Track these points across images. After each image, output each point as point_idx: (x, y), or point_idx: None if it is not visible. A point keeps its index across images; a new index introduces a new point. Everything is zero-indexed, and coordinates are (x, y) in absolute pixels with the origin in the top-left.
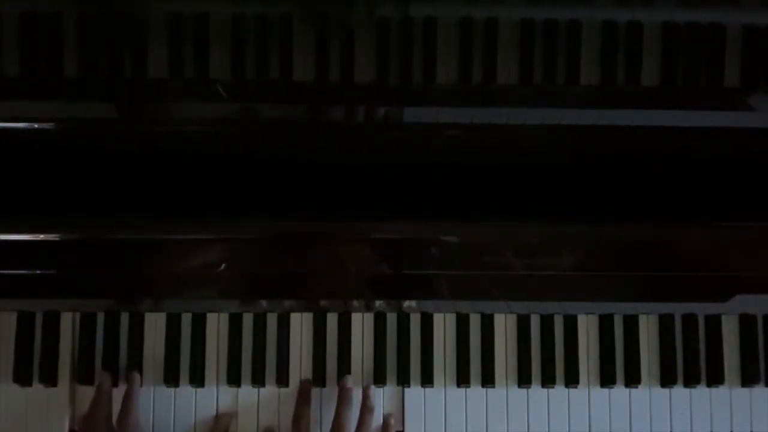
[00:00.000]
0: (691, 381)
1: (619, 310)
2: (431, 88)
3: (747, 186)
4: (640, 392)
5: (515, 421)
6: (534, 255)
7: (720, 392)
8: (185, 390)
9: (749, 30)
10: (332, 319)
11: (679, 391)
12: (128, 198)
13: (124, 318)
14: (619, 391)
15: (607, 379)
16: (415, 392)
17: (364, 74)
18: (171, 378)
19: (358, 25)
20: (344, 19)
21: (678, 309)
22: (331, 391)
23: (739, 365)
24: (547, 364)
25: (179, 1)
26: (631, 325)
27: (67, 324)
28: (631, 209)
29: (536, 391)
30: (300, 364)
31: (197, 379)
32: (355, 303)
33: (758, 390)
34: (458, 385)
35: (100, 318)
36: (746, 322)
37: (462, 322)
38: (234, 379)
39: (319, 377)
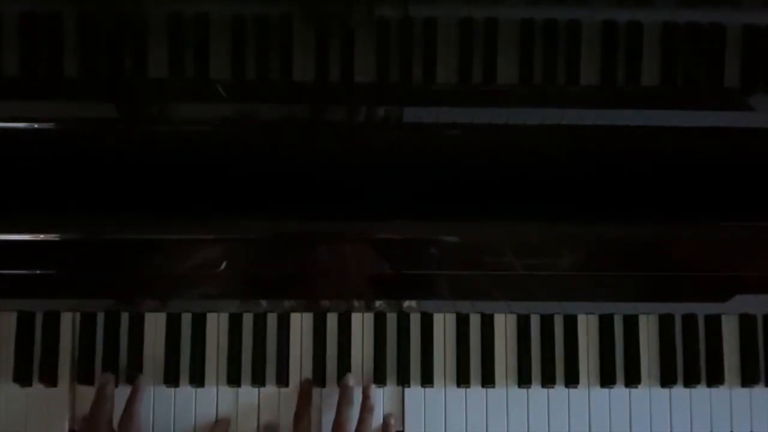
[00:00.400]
0: (691, 381)
1: (619, 310)
2: (431, 88)
3: (747, 186)
4: (640, 392)
5: (515, 421)
6: (534, 255)
7: (720, 392)
8: (185, 390)
9: (749, 30)
10: (332, 319)
11: (679, 391)
12: (128, 198)
13: (124, 318)
14: (619, 391)
15: (607, 379)
16: (415, 392)
17: (364, 74)
18: (171, 378)
19: (358, 25)
20: (344, 19)
21: (678, 309)
22: (331, 390)
23: (739, 365)
24: (547, 364)
25: (179, 1)
26: (631, 325)
27: (67, 324)
28: (631, 209)
29: (536, 391)
30: (300, 364)
31: (197, 379)
32: (355, 303)
33: (758, 390)
34: (458, 385)
35: (100, 318)
36: (746, 322)
37: (462, 322)
38: (234, 379)
39: (319, 377)
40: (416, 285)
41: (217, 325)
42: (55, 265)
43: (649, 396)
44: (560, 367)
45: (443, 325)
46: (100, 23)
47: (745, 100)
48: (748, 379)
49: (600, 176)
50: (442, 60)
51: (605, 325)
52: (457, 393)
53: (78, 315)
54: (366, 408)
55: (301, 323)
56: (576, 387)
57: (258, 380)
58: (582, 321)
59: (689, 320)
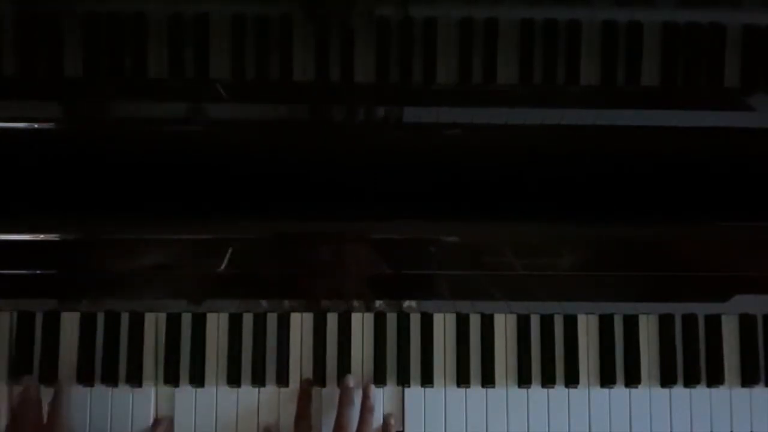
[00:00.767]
0: (691, 381)
1: (619, 310)
2: (431, 88)
3: (747, 186)
4: (640, 392)
5: (515, 421)
6: (534, 255)
7: (720, 392)
8: (185, 389)
9: (749, 30)
10: (332, 319)
11: (679, 391)
12: (128, 198)
13: (124, 318)
14: (619, 391)
15: (607, 379)
16: (415, 392)
17: (364, 74)
18: (171, 378)
19: (358, 25)
20: (344, 19)
21: (678, 309)
22: (331, 390)
23: (739, 365)
24: (547, 364)
25: (179, 1)
26: (631, 325)
27: (68, 324)
28: (631, 209)
29: (536, 391)
30: (300, 364)
31: (197, 379)
32: (355, 303)
33: (758, 390)
34: (458, 385)
35: (100, 318)
36: (746, 322)
37: (462, 322)
38: (234, 379)
39: (319, 377)
40: (416, 285)
41: (217, 325)
42: (55, 265)
43: (649, 396)
44: (560, 367)
45: (443, 325)
46: (100, 23)
47: (745, 100)
48: (748, 379)
49: (600, 176)
50: (442, 60)
51: (605, 325)
52: (457, 393)
53: (78, 315)
54: (366, 408)
55: (301, 323)
56: (576, 387)
57: (258, 380)
58: (582, 321)
59: (689, 320)
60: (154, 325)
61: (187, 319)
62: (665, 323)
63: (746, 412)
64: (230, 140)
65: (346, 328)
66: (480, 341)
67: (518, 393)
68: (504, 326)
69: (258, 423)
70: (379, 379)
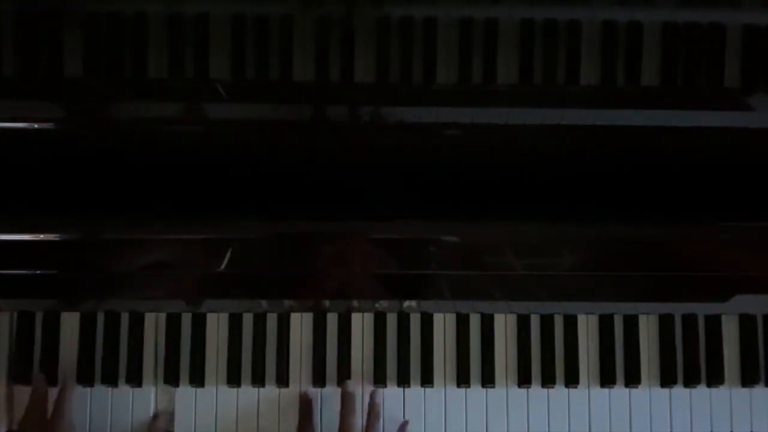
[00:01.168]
0: (691, 381)
1: (619, 310)
2: (431, 88)
3: (747, 186)
4: (640, 392)
5: (515, 421)
6: (534, 255)
7: (720, 392)
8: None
9: (749, 30)
10: (332, 319)
11: (679, 391)
12: (128, 198)
13: (124, 318)
14: (619, 391)
15: (607, 379)
16: (415, 392)
17: (364, 74)
18: (171, 378)
19: (358, 25)
20: (344, 19)
21: (678, 309)
22: (331, 392)
23: (739, 365)
24: (547, 364)
25: (179, 1)
26: (631, 325)
27: (68, 324)
28: (631, 209)
29: (536, 391)
30: (300, 364)
31: (197, 379)
32: (355, 303)
33: (758, 390)
34: (458, 385)
35: (100, 318)
36: (746, 322)
37: (462, 322)
38: (234, 379)
39: (319, 377)
40: (416, 285)
41: (217, 325)
42: (55, 265)
43: (649, 396)
44: (560, 367)
45: (443, 325)
46: (100, 23)
47: (745, 100)
48: (748, 379)
49: (600, 176)
50: (442, 60)
51: (605, 325)
52: (457, 393)
53: (79, 315)
54: (374, 414)
55: (301, 323)
56: (576, 387)
57: (258, 380)
58: (582, 321)
59: (689, 320)
60: (154, 325)
61: (187, 319)
62: (665, 323)
63: (746, 412)
64: (230, 140)
65: (346, 328)
66: (480, 341)
67: (518, 393)
68: (504, 326)
69: (257, 423)
70: (379, 379)
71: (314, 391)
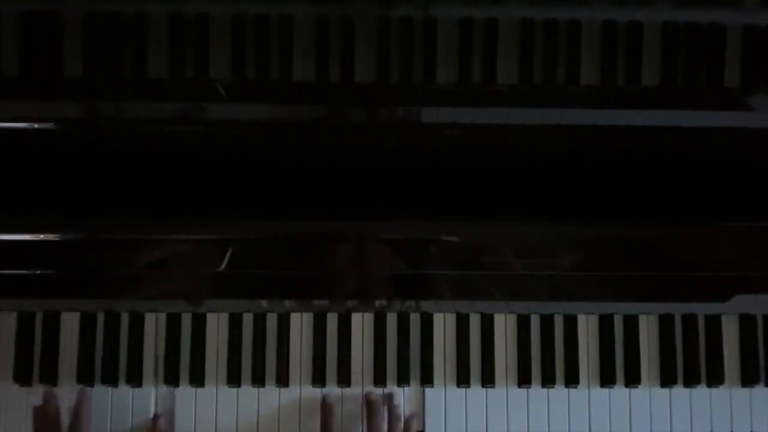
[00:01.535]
0: (691, 381)
1: (619, 310)
2: (431, 88)
3: (747, 186)
4: (640, 392)
5: (515, 421)
6: (534, 255)
7: (720, 392)
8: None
9: (749, 30)
10: (332, 319)
11: (679, 391)
12: (128, 198)
13: (124, 318)
14: (619, 391)
15: (607, 379)
16: (415, 392)
17: (364, 74)
18: (171, 378)
19: (358, 25)
20: (344, 19)
21: (678, 309)
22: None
23: (739, 365)
24: (547, 364)
25: (179, 1)
26: (631, 325)
27: (68, 324)
28: (631, 209)
29: (536, 391)
30: (300, 364)
31: (197, 379)
32: (355, 303)
33: (758, 390)
34: (458, 385)
35: (100, 318)
36: (746, 322)
37: (462, 322)
38: (234, 379)
39: (319, 377)
40: (416, 285)
41: (217, 325)
42: (55, 265)
43: (649, 396)
44: (560, 367)
45: (443, 325)
46: (100, 23)
47: (745, 100)
48: (748, 379)
49: (600, 176)
50: (442, 60)
51: (605, 325)
52: (457, 393)
53: (78, 315)
54: (395, 417)
55: (301, 323)
56: (576, 387)
57: (258, 380)
58: (582, 321)
59: (689, 320)
60: (154, 325)
61: (187, 319)
62: (665, 323)
63: (746, 412)
64: (229, 140)
65: (346, 328)
66: (480, 341)
67: (518, 393)
68: (504, 326)
69: (258, 423)
70: (379, 379)
71: (335, 396)
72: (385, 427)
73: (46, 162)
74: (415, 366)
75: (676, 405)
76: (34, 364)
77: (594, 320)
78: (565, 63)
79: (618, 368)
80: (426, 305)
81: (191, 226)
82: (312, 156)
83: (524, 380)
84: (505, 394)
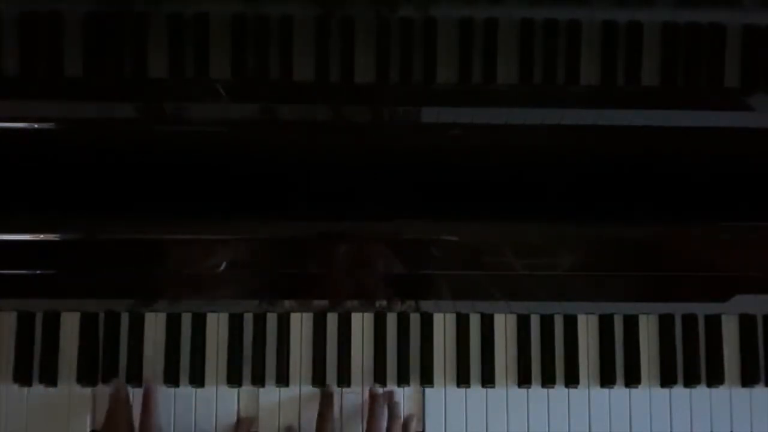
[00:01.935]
0: (691, 381)
1: (619, 310)
2: (431, 88)
3: (747, 186)
4: (640, 392)
5: (515, 421)
6: (534, 255)
7: (720, 392)
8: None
9: (749, 30)
10: (332, 319)
11: (679, 391)
12: (128, 198)
13: (124, 318)
14: (619, 391)
15: (607, 379)
16: (415, 392)
17: (364, 74)
18: (171, 378)
19: (358, 25)
20: (344, 19)
21: (678, 309)
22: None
23: (739, 365)
24: (547, 364)
25: (179, 1)
26: (631, 325)
27: (68, 324)
28: (631, 209)
29: (536, 391)
30: (300, 364)
31: (197, 379)
32: (355, 303)
33: (758, 390)
34: (458, 385)
35: (100, 318)
36: (746, 322)
37: (462, 322)
38: (234, 379)
39: (319, 377)
40: (416, 285)
41: (217, 325)
42: (55, 265)
43: (649, 396)
44: (560, 367)
45: (443, 325)
46: (101, 23)
47: (745, 100)
48: (748, 379)
49: (600, 176)
50: (442, 60)
51: (605, 325)
52: (457, 393)
53: (78, 315)
54: (395, 415)
55: (301, 323)
56: (576, 387)
57: (258, 380)
58: (582, 321)
59: (689, 320)
60: (154, 325)
61: (187, 319)
62: (665, 323)
63: (746, 412)
64: (230, 140)
65: (346, 328)
66: (480, 341)
67: (518, 393)
68: (504, 326)
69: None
70: (379, 379)
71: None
72: (385, 424)
73: (46, 162)
74: (415, 366)
75: (676, 405)
76: (34, 364)
77: (594, 320)
78: (565, 63)
79: (618, 368)
80: (426, 305)
81: (191, 227)
82: (312, 156)
83: (524, 380)
84: (505, 394)
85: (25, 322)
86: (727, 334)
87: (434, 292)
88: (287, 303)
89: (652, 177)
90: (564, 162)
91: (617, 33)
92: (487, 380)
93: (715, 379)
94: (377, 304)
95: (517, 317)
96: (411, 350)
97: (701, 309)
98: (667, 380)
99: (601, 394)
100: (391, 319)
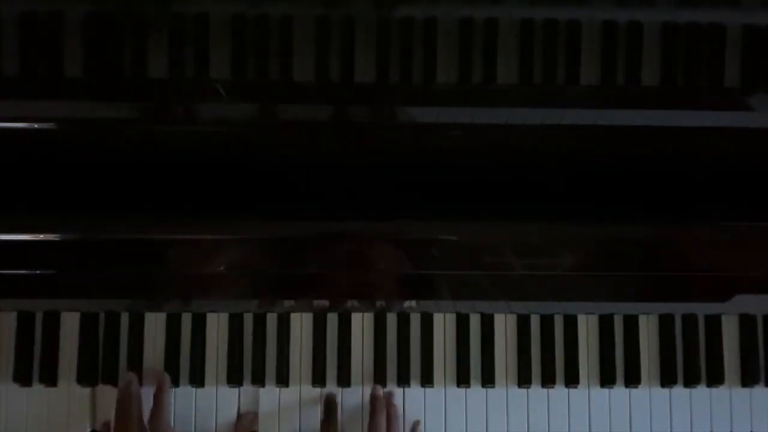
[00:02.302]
0: (691, 381)
1: (619, 310)
2: (431, 88)
3: (747, 186)
4: (640, 392)
5: (515, 421)
6: (534, 255)
7: (720, 392)
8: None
9: (749, 30)
10: (332, 319)
11: (679, 391)
12: (128, 198)
13: (124, 318)
14: (619, 391)
15: (607, 379)
16: (415, 392)
17: (364, 74)
18: (171, 378)
19: (358, 25)
20: (344, 19)
21: (678, 309)
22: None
23: (739, 365)
24: (547, 364)
25: (179, 1)
26: (631, 325)
27: (68, 324)
28: (631, 209)
29: (536, 391)
30: (300, 364)
31: (197, 379)
32: (355, 303)
33: (758, 390)
34: (458, 385)
35: (100, 318)
36: (746, 322)
37: (462, 322)
38: (234, 379)
39: (319, 377)
40: (416, 285)
41: (217, 325)
42: (55, 265)
43: (649, 396)
44: (560, 367)
45: (443, 325)
46: (101, 23)
47: (745, 100)
48: (748, 379)
49: (600, 176)
50: (442, 60)
51: (605, 325)
52: (457, 393)
53: (78, 315)
54: (394, 416)
55: (301, 323)
56: (576, 387)
57: (258, 380)
58: (582, 321)
59: (689, 320)
60: (154, 325)
61: (187, 319)
62: (665, 323)
63: (746, 412)
64: (230, 140)
65: (346, 328)
66: (480, 341)
67: (518, 393)
68: (504, 326)
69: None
70: (379, 379)
71: (337, 390)
72: (383, 423)
73: (46, 162)
74: (416, 366)
75: (676, 405)
76: (34, 364)
77: (594, 320)
78: (565, 63)
79: (618, 368)
80: (426, 305)
81: (191, 227)
82: (312, 156)
83: (524, 380)
84: (505, 394)
85: (25, 322)
86: (727, 334)
87: (434, 292)
88: (287, 303)
89: (652, 177)
90: (564, 162)
91: (617, 33)
92: (487, 380)
93: (715, 379)
94: (377, 304)
95: (517, 317)
96: (411, 350)
97: (701, 309)
98: (667, 380)
99: (601, 394)
100: (391, 319)
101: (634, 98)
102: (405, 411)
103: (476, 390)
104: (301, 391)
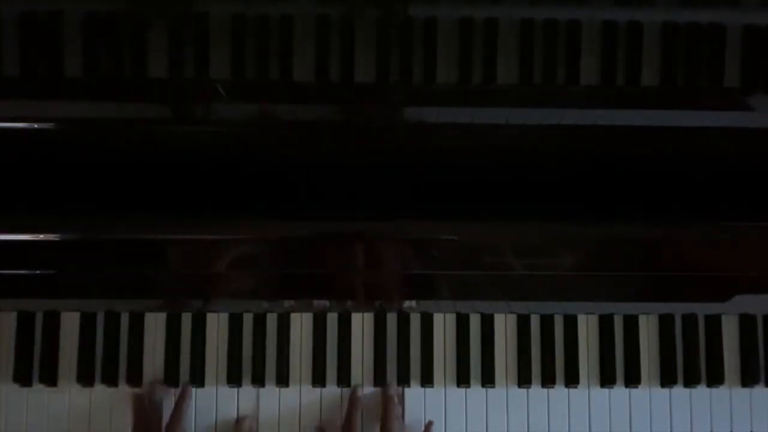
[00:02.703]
0: (691, 381)
1: (619, 310)
2: (431, 88)
3: (747, 186)
4: (640, 392)
5: (515, 421)
6: (534, 255)
7: (720, 392)
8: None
9: (749, 30)
10: (332, 319)
11: (679, 391)
12: (128, 198)
13: (124, 318)
14: (619, 391)
15: (607, 379)
16: (415, 392)
17: (364, 74)
18: (171, 378)
19: (358, 25)
20: (344, 19)
21: (678, 309)
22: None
23: (739, 365)
24: (547, 364)
25: (179, 1)
26: (631, 325)
27: (68, 324)
28: (631, 209)
29: (536, 391)
30: (300, 364)
31: (197, 379)
32: (355, 303)
33: (758, 390)
34: (458, 385)
35: (100, 318)
36: (746, 322)
37: (462, 322)
38: (234, 379)
39: (319, 377)
40: (416, 285)
41: (217, 325)
42: (55, 265)
43: (649, 396)
44: (560, 367)
45: (443, 325)
46: (101, 23)
47: (745, 100)
48: (748, 379)
49: (600, 176)
50: (442, 60)
51: (605, 325)
52: (457, 393)
53: (78, 315)
54: (397, 415)
55: (301, 323)
56: (576, 387)
57: (258, 380)
58: (582, 321)
59: (689, 320)
60: (154, 325)
61: (187, 319)
62: (665, 323)
63: (746, 412)
64: (230, 140)
65: (346, 328)
66: (480, 341)
67: (518, 393)
68: (504, 326)
69: (257, 423)
70: (379, 379)
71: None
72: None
73: (46, 162)
74: (416, 366)
75: (676, 405)
76: (34, 364)
77: (594, 320)
78: (565, 63)
79: (618, 368)
80: (426, 305)
81: (191, 227)
82: (312, 156)
83: (524, 380)
84: (505, 394)
85: (25, 322)
86: (727, 334)
87: (434, 292)
88: (287, 303)
89: (652, 177)
90: (564, 162)
91: (617, 33)
92: (487, 380)
93: (715, 379)
94: (377, 304)
95: (517, 317)
96: (411, 350)
97: (701, 309)
98: (667, 380)
99: (601, 394)
100: (391, 319)
101: (634, 98)
102: (405, 411)
103: (476, 390)
104: (301, 391)
